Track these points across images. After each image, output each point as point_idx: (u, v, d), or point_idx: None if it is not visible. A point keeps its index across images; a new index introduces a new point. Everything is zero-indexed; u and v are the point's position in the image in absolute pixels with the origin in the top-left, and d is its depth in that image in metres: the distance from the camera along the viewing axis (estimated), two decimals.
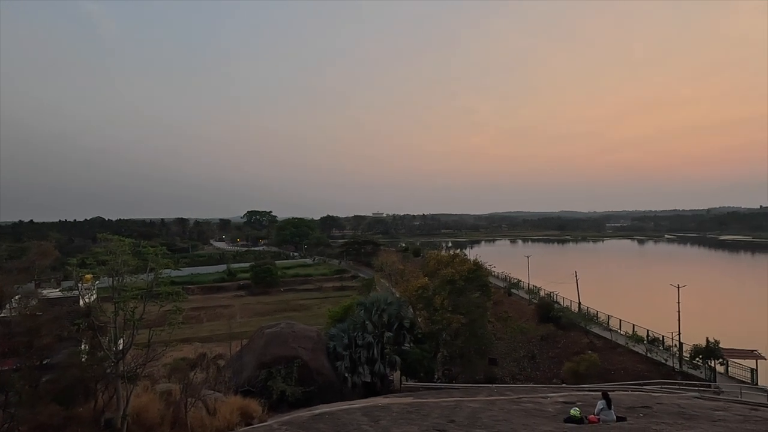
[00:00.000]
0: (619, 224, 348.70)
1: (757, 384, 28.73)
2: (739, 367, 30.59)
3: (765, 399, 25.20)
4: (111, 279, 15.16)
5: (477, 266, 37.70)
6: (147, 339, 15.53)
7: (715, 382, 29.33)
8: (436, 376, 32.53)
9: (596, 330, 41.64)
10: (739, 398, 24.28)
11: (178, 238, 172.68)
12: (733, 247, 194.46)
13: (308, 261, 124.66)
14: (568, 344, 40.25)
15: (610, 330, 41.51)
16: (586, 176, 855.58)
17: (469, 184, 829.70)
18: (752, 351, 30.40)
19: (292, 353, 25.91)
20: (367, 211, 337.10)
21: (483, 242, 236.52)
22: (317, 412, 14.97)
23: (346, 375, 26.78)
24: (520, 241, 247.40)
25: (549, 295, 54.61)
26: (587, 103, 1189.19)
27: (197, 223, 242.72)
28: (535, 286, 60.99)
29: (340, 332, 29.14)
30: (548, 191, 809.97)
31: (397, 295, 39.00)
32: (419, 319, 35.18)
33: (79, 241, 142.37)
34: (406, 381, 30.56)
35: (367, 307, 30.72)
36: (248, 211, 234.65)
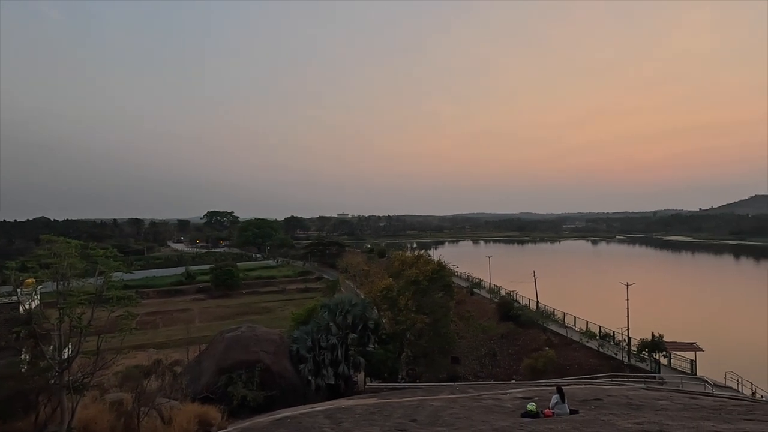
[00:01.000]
0: (574, 225, 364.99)
1: (696, 374, 30.87)
2: (680, 359, 32.77)
3: (703, 388, 27.16)
4: (56, 283, 14.21)
5: (441, 267, 38.31)
6: (96, 346, 14.67)
7: (660, 373, 31.26)
8: (400, 376, 32.75)
9: (553, 327, 43.34)
10: (680, 388, 26.03)
11: (132, 240, 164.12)
12: (676, 246, 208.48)
13: (272, 263, 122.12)
14: (527, 341, 41.67)
15: (566, 327, 43.31)
16: (544, 179, 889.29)
17: (434, 185, 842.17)
18: (692, 343, 32.63)
19: (254, 357, 25.29)
20: (332, 212, 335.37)
21: (447, 243, 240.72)
22: (279, 416, 14.69)
23: (310, 378, 26.45)
24: (482, 242, 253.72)
25: (509, 294, 56.28)
26: (545, 110, 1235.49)
27: (153, 223, 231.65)
28: (496, 286, 62.71)
29: (304, 335, 28.74)
30: (509, 193, 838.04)
31: (362, 296, 38.92)
32: (384, 320, 35.28)
33: (21, 243, 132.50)
34: (371, 382, 30.57)
35: (331, 309, 30.46)
36: (208, 212, 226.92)
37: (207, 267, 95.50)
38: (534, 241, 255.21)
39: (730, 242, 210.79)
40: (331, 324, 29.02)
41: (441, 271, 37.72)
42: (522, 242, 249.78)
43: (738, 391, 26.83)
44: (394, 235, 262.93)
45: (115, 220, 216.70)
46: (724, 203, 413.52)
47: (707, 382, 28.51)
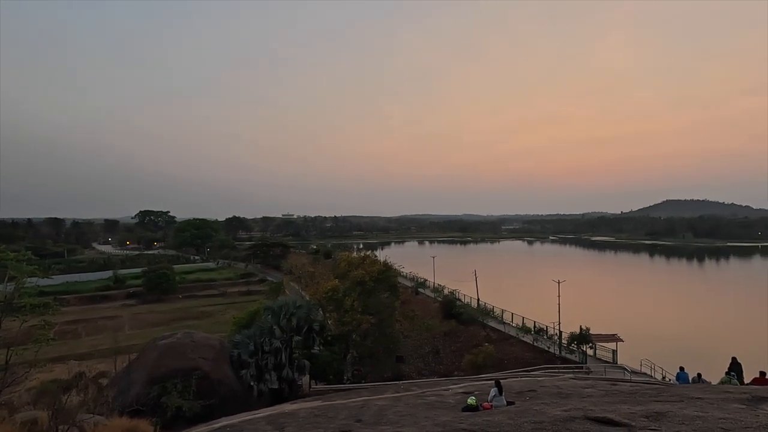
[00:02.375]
0: (512, 227, 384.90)
1: (617, 363, 33.79)
2: (604, 350, 35.69)
3: (622, 375, 29.82)
4: None
5: (387, 267, 38.71)
6: (5, 360, 13.12)
7: (586, 363, 33.83)
8: (345, 378, 32.62)
9: (493, 323, 45.35)
10: (604, 376, 28.38)
11: (51, 241, 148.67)
12: (601, 246, 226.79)
13: (211, 265, 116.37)
14: (468, 338, 43.25)
15: (504, 323, 45.52)
16: (486, 182, 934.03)
17: (381, 187, 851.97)
18: (613, 335, 35.66)
19: (191, 365, 23.96)
20: (276, 213, 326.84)
21: (393, 244, 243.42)
22: (218, 425, 14.04)
23: (252, 383, 25.57)
24: (427, 243, 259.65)
25: (452, 293, 58.10)
26: (487, 116, 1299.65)
27: (76, 223, 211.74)
28: (440, 285, 64.51)
29: (246, 339, 27.74)
30: (453, 196, 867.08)
31: (307, 298, 38.37)
32: (329, 321, 34.97)
33: None
34: (316, 384, 30.16)
35: (275, 312, 29.69)
36: (141, 211, 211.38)
37: (139, 270, 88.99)
38: (475, 242, 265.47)
39: (646, 242, 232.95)
40: (274, 327, 28.27)
41: (387, 271, 38.11)
42: (464, 243, 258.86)
43: (651, 376, 29.74)
44: (340, 235, 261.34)
45: (29, 219, 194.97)
46: (641, 207, 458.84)
47: (626, 369, 31.39)
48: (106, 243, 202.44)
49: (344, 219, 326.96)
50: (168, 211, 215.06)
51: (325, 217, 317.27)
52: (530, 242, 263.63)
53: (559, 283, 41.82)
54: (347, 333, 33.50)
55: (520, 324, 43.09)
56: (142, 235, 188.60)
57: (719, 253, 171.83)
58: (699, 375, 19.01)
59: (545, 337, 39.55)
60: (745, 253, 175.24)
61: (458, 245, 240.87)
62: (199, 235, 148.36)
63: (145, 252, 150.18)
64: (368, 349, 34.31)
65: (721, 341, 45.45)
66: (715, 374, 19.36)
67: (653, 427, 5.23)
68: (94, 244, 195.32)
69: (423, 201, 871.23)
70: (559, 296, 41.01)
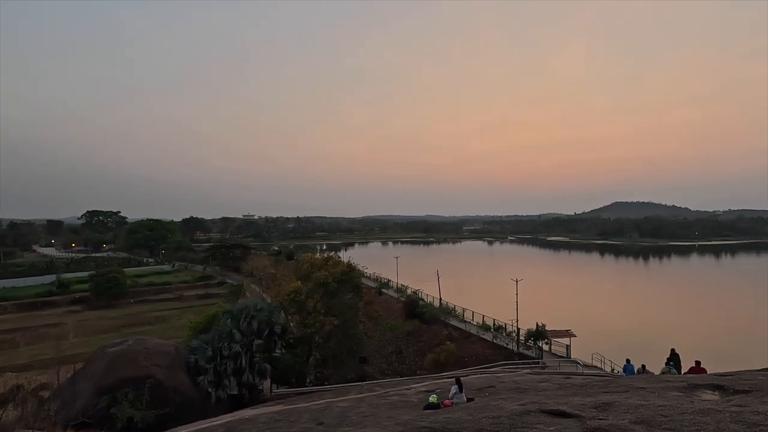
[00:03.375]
0: (473, 227, 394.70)
1: (570, 357, 35.42)
2: (559, 345, 37.31)
3: (575, 368, 31.29)
4: None
5: (350, 268, 38.57)
6: None
7: (542, 359, 35.22)
8: (308, 380, 32.24)
9: (454, 322, 46.27)
10: (558, 370, 29.66)
11: None
12: (556, 246, 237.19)
13: (167, 267, 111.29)
14: (431, 337, 43.90)
15: (465, 321, 46.55)
16: (448, 184, 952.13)
17: (345, 187, 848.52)
18: (567, 331, 37.36)
19: (144, 373, 22.78)
20: (237, 213, 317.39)
21: (357, 244, 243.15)
22: None
23: (210, 390, 24.69)
24: (390, 243, 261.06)
25: (415, 293, 58.75)
26: (450, 119, 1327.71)
27: (14, 224, 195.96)
28: (403, 285, 65.07)
29: (203, 344, 26.76)
30: (416, 197, 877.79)
31: (269, 301, 37.57)
32: (292, 324, 34.44)
33: None
34: (277, 388, 29.60)
35: (234, 315, 28.84)
36: (88, 211, 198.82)
37: (86, 274, 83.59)
38: (438, 242, 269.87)
39: (597, 242, 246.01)
40: (234, 331, 27.45)
41: (350, 272, 37.99)
42: (427, 243, 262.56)
43: (601, 369, 31.42)
44: (303, 236, 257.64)
45: None
46: (593, 208, 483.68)
47: (579, 363, 32.96)
48: (49, 245, 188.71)
49: (307, 220, 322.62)
50: (118, 212, 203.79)
51: (287, 217, 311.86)
52: (490, 242, 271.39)
53: (517, 281, 43.33)
54: (310, 335, 33.12)
55: (481, 322, 44.22)
56: (89, 237, 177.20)
57: (662, 252, 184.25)
58: (643, 366, 20.30)
59: (504, 334, 40.81)
60: (683, 252, 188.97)
61: (421, 246, 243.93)
62: (153, 236, 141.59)
63: (93, 255, 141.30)
64: (331, 351, 34.05)
65: (663, 334, 48.68)
66: (657, 365, 20.73)
67: (601, 417, 5.54)
68: (35, 247, 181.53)
69: (387, 202, 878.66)
70: (517, 294, 42.47)
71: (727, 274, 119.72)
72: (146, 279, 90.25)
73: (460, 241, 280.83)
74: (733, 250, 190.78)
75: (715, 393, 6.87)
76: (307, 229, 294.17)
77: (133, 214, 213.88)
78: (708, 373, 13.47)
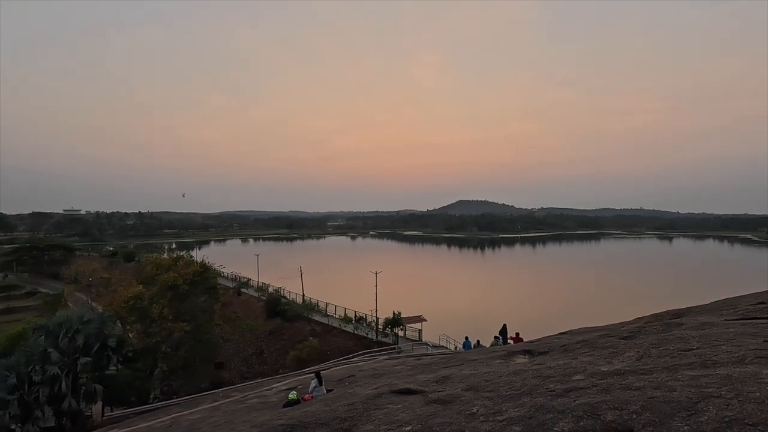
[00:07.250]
0: (337, 223, 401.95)
1: (422, 340, 39.09)
2: (412, 330, 40.80)
3: (426, 350, 34.66)
4: None
5: (204, 268, 35.61)
6: None
7: (398, 344, 38.09)
8: (152, 396, 28.66)
9: (317, 317, 46.60)
10: (412, 353, 32.43)
11: None
12: (412, 239, 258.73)
13: None
14: (294, 334, 43.38)
15: (328, 316, 47.31)
16: (313, 179, 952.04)
17: (199, 180, 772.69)
18: (419, 316, 41.14)
19: None
20: (55, 208, 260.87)
21: (213, 242, 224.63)
22: None
23: (13, 426, 19.97)
24: (251, 240, 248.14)
25: (277, 290, 57.21)
26: (316, 114, 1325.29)
27: None
28: (264, 283, 62.70)
29: (3, 371, 21.44)
30: (280, 192, 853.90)
31: (101, 310, 32.12)
32: (131, 335, 30.15)
33: None
34: (111, 411, 25.54)
35: (51, 331, 23.81)
36: None
37: None
38: (302, 238, 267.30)
39: (445, 235, 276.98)
40: (50, 350, 22.68)
41: (205, 272, 35.05)
42: (291, 239, 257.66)
43: (447, 348, 35.48)
44: (146, 235, 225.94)
45: None
46: (442, 205, 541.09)
47: (428, 345, 36.64)
48: None
49: (152, 215, 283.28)
50: None
51: (126, 213, 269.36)
52: (353, 237, 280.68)
53: (376, 274, 45.79)
54: (155, 345, 29.51)
55: (343, 315, 45.46)
56: None
57: (494, 243, 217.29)
58: (478, 341, 23.64)
59: (365, 324, 42.77)
60: (510, 242, 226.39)
61: (285, 242, 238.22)
62: None
63: None
64: (182, 360, 30.89)
65: (497, 312, 57.36)
66: (491, 339, 24.39)
67: (440, 390, 6.31)
68: None
69: (247, 197, 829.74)
70: (376, 286, 44.91)
71: (540, 259, 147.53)
72: None
73: (325, 237, 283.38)
74: (544, 240, 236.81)
75: (525, 357, 8.45)
76: (152, 226, 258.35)
77: None
78: (523, 341, 16.44)
